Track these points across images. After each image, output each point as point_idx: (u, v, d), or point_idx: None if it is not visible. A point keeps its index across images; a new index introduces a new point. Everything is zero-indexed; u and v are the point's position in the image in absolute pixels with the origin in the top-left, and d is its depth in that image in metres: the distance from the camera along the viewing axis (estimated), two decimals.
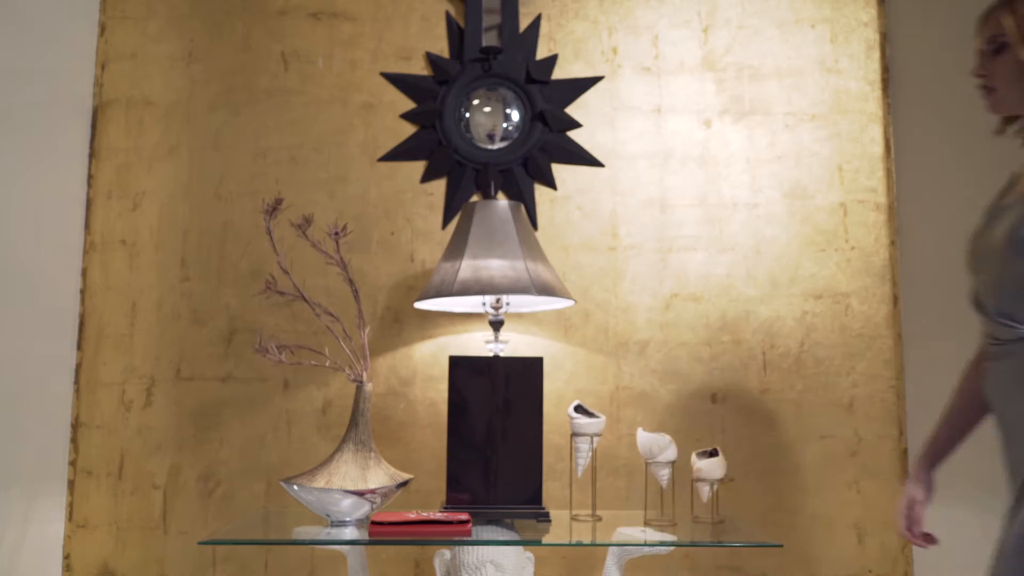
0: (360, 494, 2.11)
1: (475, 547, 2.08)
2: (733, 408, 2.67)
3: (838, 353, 2.69)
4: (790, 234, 2.74)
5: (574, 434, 2.29)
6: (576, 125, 2.76)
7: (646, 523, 2.26)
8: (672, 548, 2.16)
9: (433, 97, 2.77)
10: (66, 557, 2.61)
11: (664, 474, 2.26)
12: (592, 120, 2.78)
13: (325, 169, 2.76)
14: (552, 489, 2.52)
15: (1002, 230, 1.61)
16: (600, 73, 2.79)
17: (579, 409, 2.31)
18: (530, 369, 2.30)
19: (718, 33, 2.83)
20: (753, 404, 2.68)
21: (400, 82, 2.78)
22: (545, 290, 2.27)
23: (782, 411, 2.67)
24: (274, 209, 2.32)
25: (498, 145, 2.75)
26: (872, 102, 2.79)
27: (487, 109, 2.78)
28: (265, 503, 2.63)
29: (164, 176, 2.76)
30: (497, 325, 2.39)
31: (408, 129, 2.77)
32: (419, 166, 2.76)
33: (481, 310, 2.47)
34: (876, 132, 2.78)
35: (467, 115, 2.77)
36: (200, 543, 2.10)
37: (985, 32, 1.61)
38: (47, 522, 2.56)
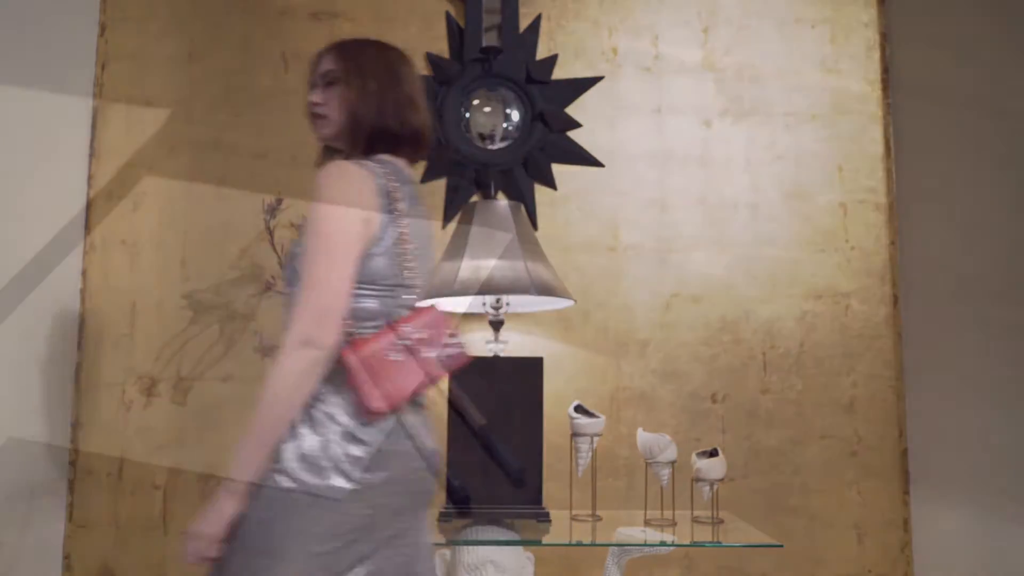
0: None
1: (475, 547, 2.08)
2: (733, 408, 2.67)
3: (838, 353, 2.69)
4: (790, 234, 2.74)
5: (574, 434, 2.29)
6: (576, 125, 2.76)
7: (646, 523, 2.26)
8: (672, 548, 2.16)
9: (433, 97, 2.76)
10: (66, 557, 2.61)
11: (664, 474, 2.26)
12: (592, 120, 2.77)
13: None
14: (552, 489, 2.52)
15: None
16: (600, 73, 2.79)
17: (579, 409, 2.31)
18: (530, 369, 2.30)
19: (718, 33, 2.83)
20: (753, 404, 2.68)
21: None
22: (545, 290, 2.27)
23: (782, 411, 2.67)
24: (274, 209, 2.32)
25: (498, 145, 2.75)
26: (872, 102, 2.79)
27: (487, 109, 2.78)
28: None
29: (164, 176, 2.76)
30: (497, 325, 2.39)
31: None
32: (419, 166, 2.76)
33: (481, 310, 2.47)
34: (876, 132, 2.78)
35: (467, 115, 2.77)
36: None
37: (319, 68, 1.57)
38: (47, 522, 2.56)
